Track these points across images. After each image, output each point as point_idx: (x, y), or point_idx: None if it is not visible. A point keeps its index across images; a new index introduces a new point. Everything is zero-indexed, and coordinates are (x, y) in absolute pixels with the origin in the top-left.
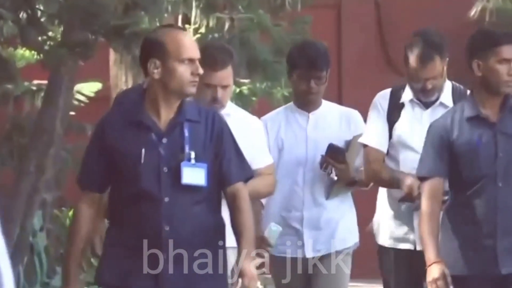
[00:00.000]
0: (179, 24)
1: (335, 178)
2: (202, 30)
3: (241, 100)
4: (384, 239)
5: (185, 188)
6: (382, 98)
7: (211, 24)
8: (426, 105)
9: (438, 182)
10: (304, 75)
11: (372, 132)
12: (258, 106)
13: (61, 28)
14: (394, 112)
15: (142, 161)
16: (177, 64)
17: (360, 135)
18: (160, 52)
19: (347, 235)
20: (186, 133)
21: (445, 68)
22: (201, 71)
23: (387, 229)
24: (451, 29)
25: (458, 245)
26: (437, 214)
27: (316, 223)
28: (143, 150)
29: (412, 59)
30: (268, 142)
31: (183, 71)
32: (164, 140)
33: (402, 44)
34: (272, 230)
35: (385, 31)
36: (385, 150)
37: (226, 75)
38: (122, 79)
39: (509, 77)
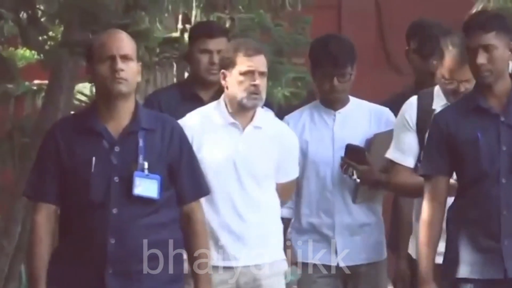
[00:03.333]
0: (179, 23)
1: (357, 180)
2: None
3: None
4: None
5: (136, 199)
6: (409, 107)
7: None
8: None
9: (441, 182)
10: (327, 73)
11: (398, 146)
12: None
13: (62, 28)
14: (424, 120)
15: (93, 169)
16: (99, 65)
17: (382, 133)
18: (89, 56)
19: (380, 246)
20: (141, 143)
21: None
22: (119, 66)
23: None
24: (453, 28)
25: (462, 246)
26: (439, 221)
27: (349, 230)
28: (93, 158)
29: (449, 58)
30: None
31: (104, 70)
32: (117, 149)
33: (402, 44)
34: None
35: (386, 31)
36: (412, 165)
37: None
38: None
39: (476, 67)
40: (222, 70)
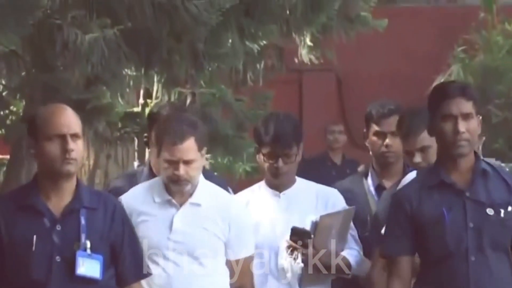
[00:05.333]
0: (141, 98)
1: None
2: None
3: None
4: None
5: (77, 280)
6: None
7: (172, 98)
8: None
9: (405, 262)
10: (271, 153)
11: None
12: None
13: (23, 103)
14: None
15: (34, 248)
16: (45, 142)
17: (329, 214)
18: (32, 131)
19: None
20: (83, 221)
21: None
22: (70, 147)
23: None
24: (413, 104)
25: None
26: None
27: None
28: (34, 237)
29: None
30: None
31: (53, 149)
32: (58, 227)
33: (363, 120)
34: None
35: (346, 107)
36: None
37: (187, 148)
38: (84, 154)
39: (455, 135)
40: (147, 149)
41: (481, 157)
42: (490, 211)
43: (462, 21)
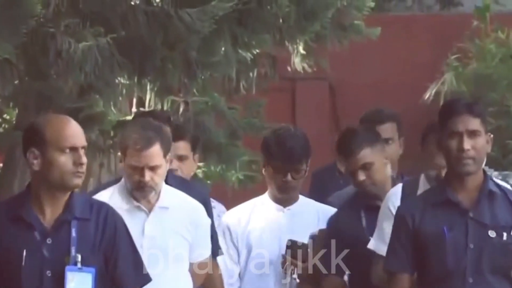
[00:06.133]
0: (134, 107)
1: (297, 280)
2: None
3: None
4: None
5: None
6: (393, 196)
7: (165, 107)
8: None
9: (405, 280)
10: (281, 167)
11: (380, 236)
12: (213, 189)
13: (16, 111)
14: None
15: (23, 263)
16: (56, 154)
17: (325, 229)
18: (38, 141)
19: None
20: (74, 233)
21: None
22: (84, 160)
23: None
24: (407, 113)
25: None
26: None
27: None
28: (24, 251)
29: (433, 145)
30: (234, 242)
31: (64, 161)
32: (49, 240)
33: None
34: None
35: (340, 116)
36: None
37: (153, 154)
38: None
39: (459, 153)
40: (119, 153)
41: (491, 177)
42: (492, 234)
43: (455, 29)
